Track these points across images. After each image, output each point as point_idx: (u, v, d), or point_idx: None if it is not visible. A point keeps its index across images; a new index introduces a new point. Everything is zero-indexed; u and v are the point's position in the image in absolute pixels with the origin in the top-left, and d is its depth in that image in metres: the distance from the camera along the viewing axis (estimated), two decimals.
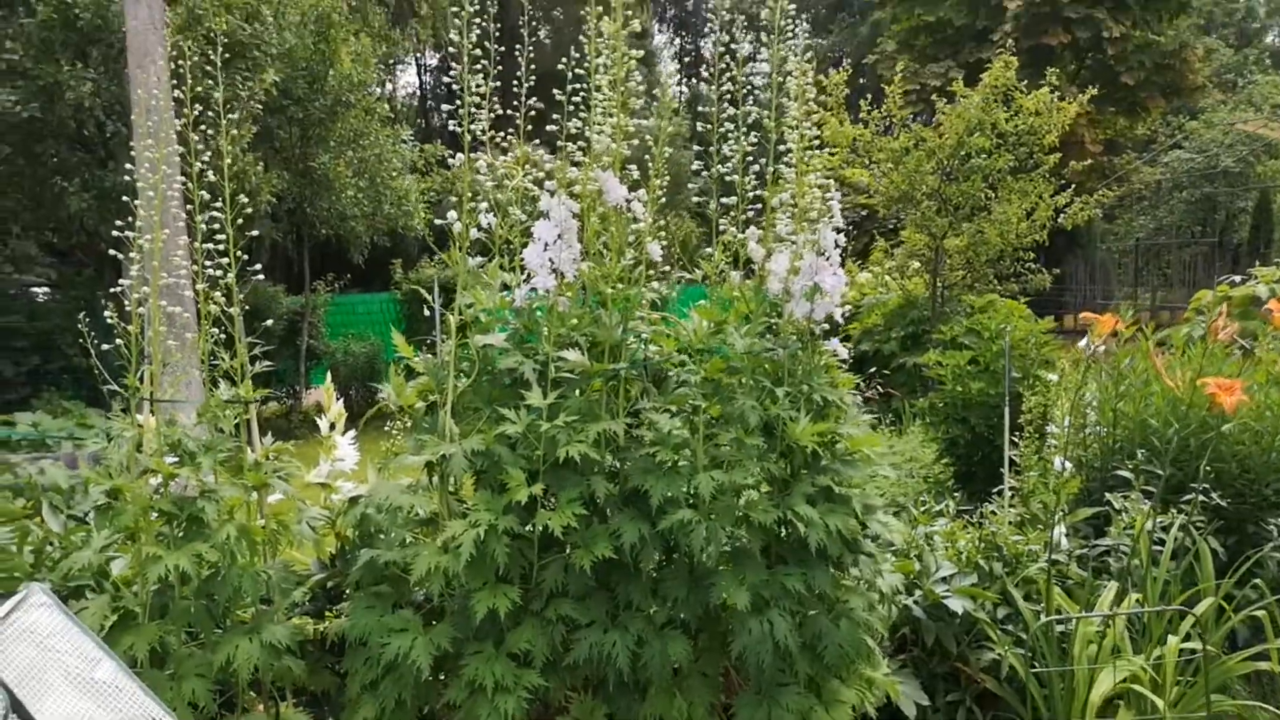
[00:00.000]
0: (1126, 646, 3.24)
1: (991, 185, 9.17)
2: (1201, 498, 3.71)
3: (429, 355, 2.80)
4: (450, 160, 2.75)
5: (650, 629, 2.57)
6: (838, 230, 2.78)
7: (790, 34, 2.75)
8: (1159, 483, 3.54)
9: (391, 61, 24.39)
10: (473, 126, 2.64)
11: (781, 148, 2.75)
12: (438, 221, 2.73)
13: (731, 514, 2.55)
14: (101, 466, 2.60)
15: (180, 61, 2.72)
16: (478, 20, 2.58)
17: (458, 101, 2.63)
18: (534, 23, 2.69)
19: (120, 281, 2.65)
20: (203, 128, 2.68)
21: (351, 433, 3.63)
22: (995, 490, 4.76)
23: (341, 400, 3.72)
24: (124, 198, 2.86)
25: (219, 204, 2.65)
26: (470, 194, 2.66)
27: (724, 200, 2.76)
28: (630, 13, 2.71)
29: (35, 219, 10.36)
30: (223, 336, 2.69)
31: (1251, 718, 3.33)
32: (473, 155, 2.65)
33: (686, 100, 34.37)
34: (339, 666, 2.81)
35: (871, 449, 2.83)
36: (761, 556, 2.67)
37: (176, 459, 2.60)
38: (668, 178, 2.77)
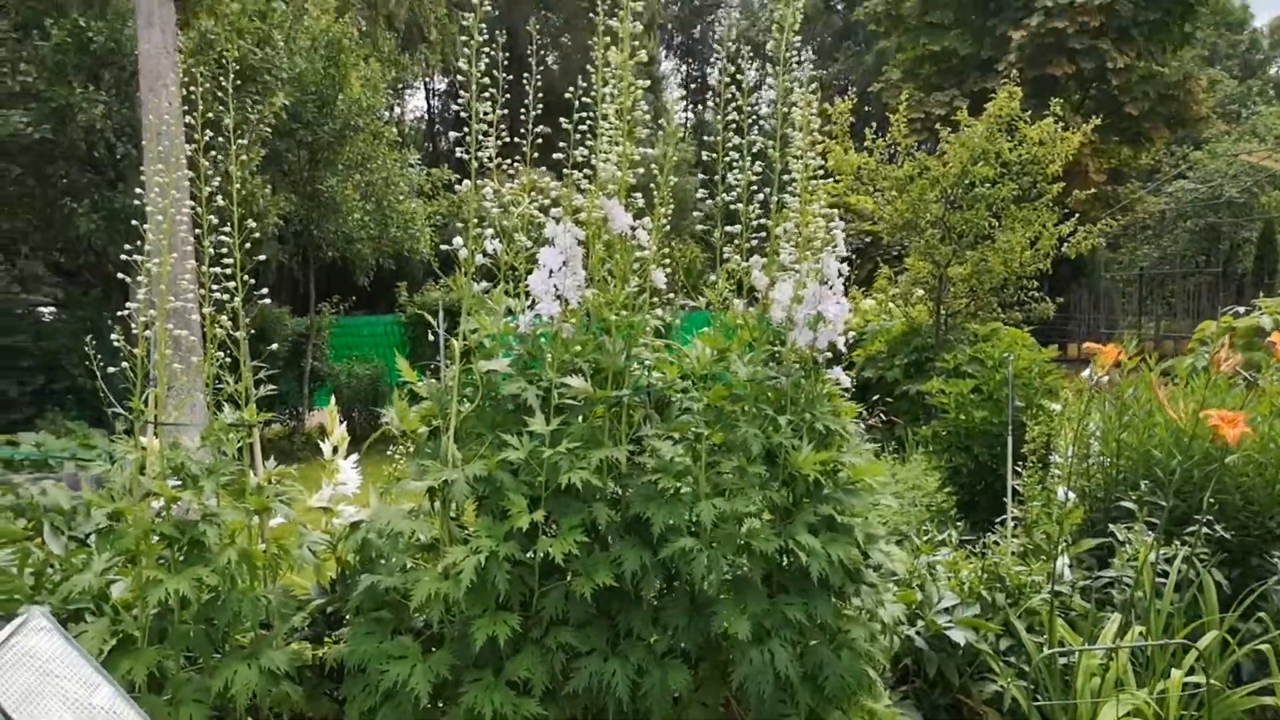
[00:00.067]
0: (1130, 680, 3.21)
1: (995, 214, 9.19)
2: (1205, 530, 3.69)
3: (433, 380, 2.81)
4: (457, 187, 2.77)
5: (650, 658, 2.56)
6: (841, 259, 2.79)
7: (795, 64, 2.78)
8: (1162, 514, 3.52)
9: (400, 86, 24.62)
10: (480, 153, 2.66)
11: (786, 177, 2.77)
12: (444, 247, 2.75)
13: (733, 542, 2.54)
14: (104, 489, 2.61)
15: (192, 88, 2.75)
16: (487, 49, 2.61)
17: (465, 129, 2.65)
18: (541, 50, 2.72)
19: (128, 304, 2.66)
20: (213, 153, 2.71)
21: (354, 456, 3.64)
22: (998, 520, 4.75)
23: (345, 423, 3.72)
24: (133, 220, 2.88)
25: (227, 228, 2.67)
26: (476, 220, 2.67)
27: (728, 229, 2.78)
28: (637, 43, 2.74)
29: (44, 239, 10.43)
30: (228, 360, 2.71)
31: None
32: (479, 182, 2.67)
33: (692, 126, 34.61)
34: (338, 693, 2.80)
35: (874, 478, 2.82)
36: (763, 585, 2.66)
37: (179, 482, 2.60)
38: (672, 205, 2.79)
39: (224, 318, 2.69)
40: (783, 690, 2.52)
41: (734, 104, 2.73)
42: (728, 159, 2.75)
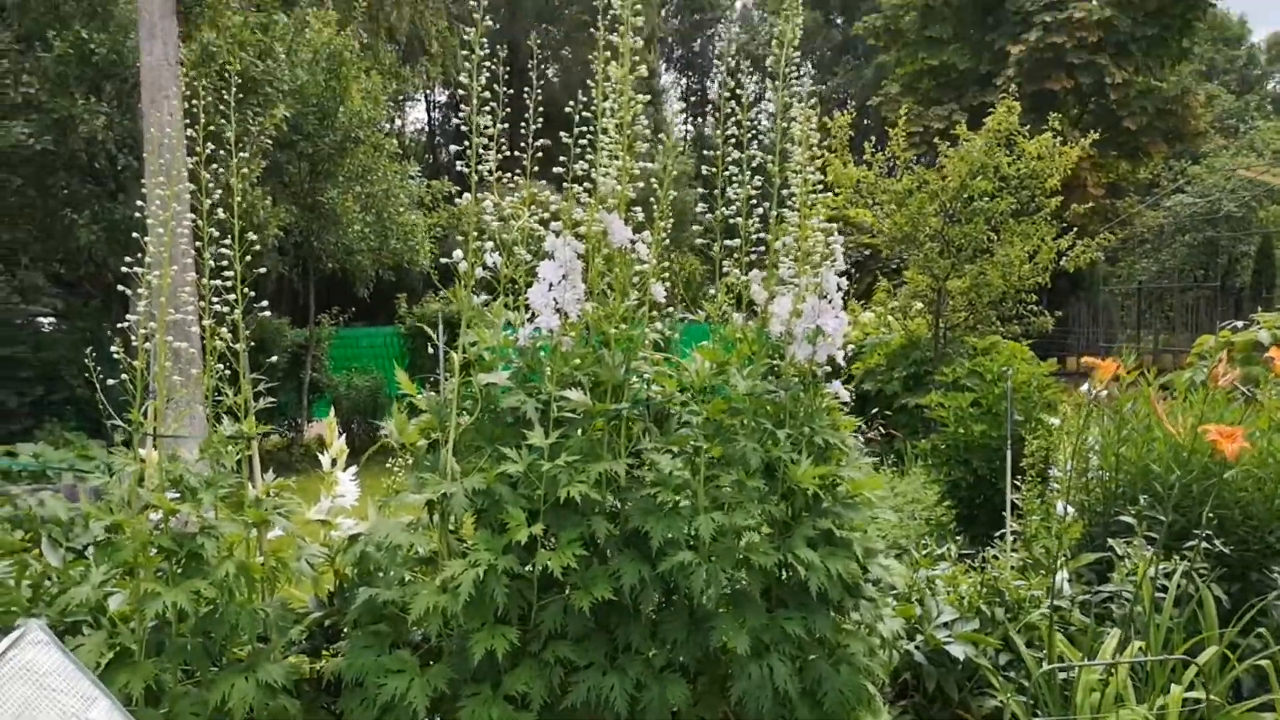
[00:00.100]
0: (1130, 695, 3.21)
1: (994, 227, 9.22)
2: (1204, 545, 3.69)
3: (432, 393, 2.81)
4: (457, 200, 2.78)
5: (649, 672, 2.55)
6: (840, 273, 2.80)
7: (795, 79, 2.79)
8: (1161, 529, 3.52)
9: (401, 98, 24.70)
10: (480, 167, 2.67)
11: (785, 192, 2.78)
12: (444, 260, 2.75)
13: (732, 556, 2.54)
14: (103, 501, 2.61)
15: (194, 101, 2.76)
16: (487, 64, 2.62)
17: (466, 143, 2.66)
18: (542, 64, 2.73)
19: (128, 317, 2.67)
20: (214, 166, 2.72)
21: (353, 469, 3.63)
22: (997, 534, 4.74)
23: (343, 435, 3.72)
24: (133, 231, 2.89)
25: (228, 241, 2.68)
26: (476, 233, 2.68)
27: (727, 242, 2.79)
28: (637, 58, 2.75)
29: (44, 250, 10.44)
30: (228, 372, 2.71)
31: None
32: (479, 195, 2.68)
33: (692, 139, 34.74)
34: (335, 707, 2.79)
35: (872, 492, 2.82)
36: (762, 599, 2.65)
37: (178, 495, 2.60)
38: (671, 220, 2.80)
39: (224, 330, 2.69)
40: (782, 705, 2.51)
41: (733, 119, 2.75)
42: (727, 173, 2.76)
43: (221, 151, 2.76)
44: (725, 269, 2.84)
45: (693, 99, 41.57)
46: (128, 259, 2.71)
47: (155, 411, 2.69)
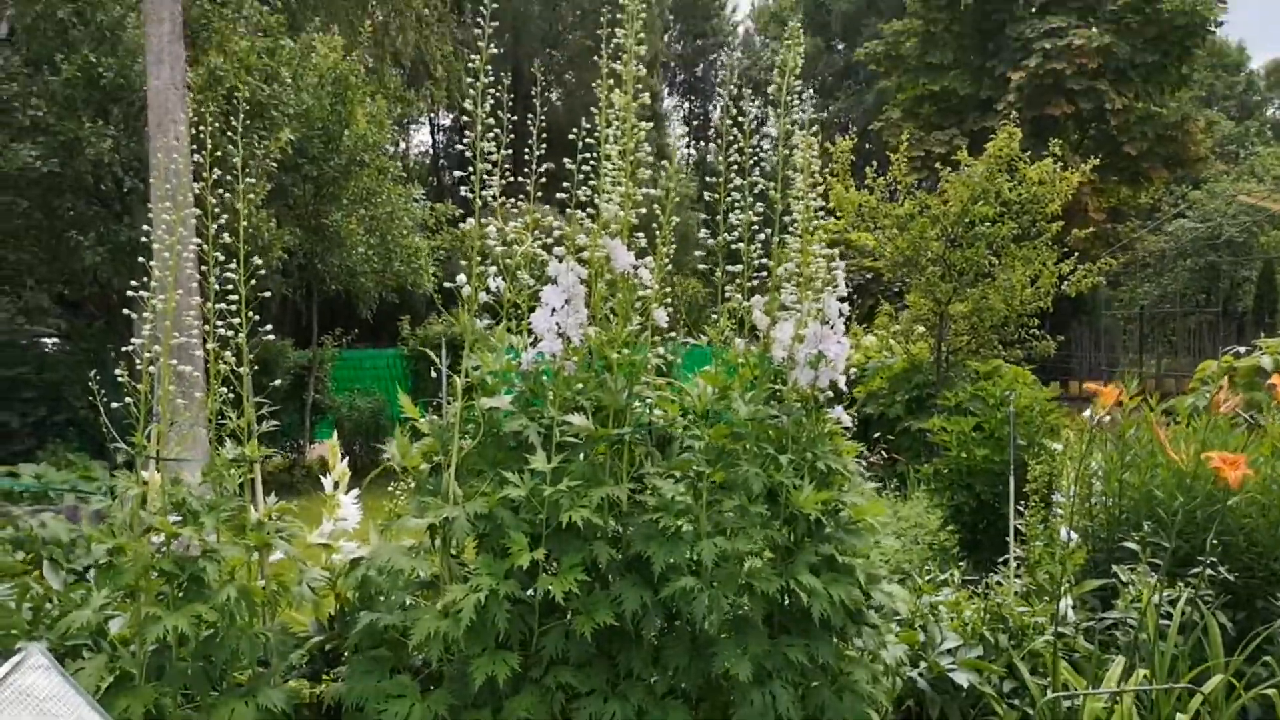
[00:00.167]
0: None
1: (995, 252, 9.25)
2: (1209, 571, 3.67)
3: (434, 416, 2.82)
4: (461, 224, 2.80)
5: (651, 698, 2.54)
6: (842, 299, 2.81)
7: (796, 108, 2.82)
8: (1166, 555, 3.51)
9: (406, 121, 24.88)
10: (484, 192, 2.69)
11: (787, 218, 2.80)
12: (447, 284, 2.77)
13: (734, 582, 2.53)
14: (105, 524, 2.61)
15: (201, 127, 2.79)
16: (492, 90, 2.64)
17: (470, 168, 2.68)
18: (546, 90, 2.76)
19: (133, 340, 2.68)
20: (220, 191, 2.74)
21: (355, 491, 3.63)
22: (1001, 559, 4.72)
23: (346, 457, 3.72)
24: (138, 253, 2.91)
25: (233, 265, 2.69)
26: (479, 258, 2.70)
27: (730, 268, 2.80)
28: (640, 85, 2.78)
29: (49, 271, 10.48)
30: (231, 395, 2.71)
31: None
32: (483, 220, 2.70)
33: (694, 162, 34.91)
34: None
35: (875, 517, 2.82)
36: (764, 625, 2.64)
37: (180, 518, 2.60)
38: (674, 246, 2.81)
39: (228, 353, 2.70)
40: None
41: (736, 145, 2.77)
42: (730, 199, 2.77)
43: (228, 177, 2.78)
44: (728, 294, 2.85)
45: (695, 123, 41.85)
46: (133, 283, 2.73)
47: (158, 434, 2.70)
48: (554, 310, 2.66)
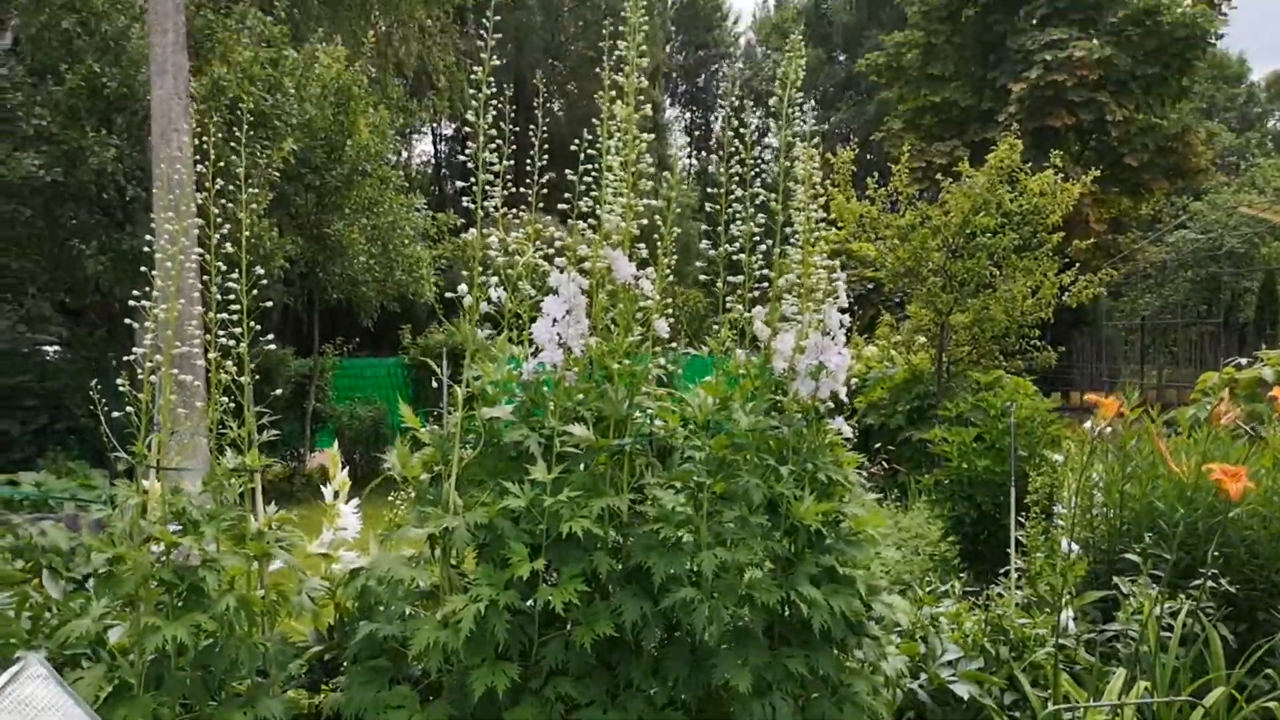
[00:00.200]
0: None
1: (996, 263, 9.26)
2: (1210, 583, 3.66)
3: (435, 426, 2.82)
4: (463, 234, 2.81)
5: (650, 710, 2.53)
6: (843, 310, 2.82)
7: (798, 119, 2.82)
8: (1167, 567, 3.50)
9: (408, 131, 24.95)
10: (486, 203, 2.70)
11: (788, 229, 2.80)
12: (448, 295, 2.77)
13: (734, 593, 2.53)
14: (105, 534, 2.60)
15: (204, 137, 2.80)
16: (494, 102, 2.65)
17: (472, 179, 2.69)
18: (548, 102, 2.77)
19: (134, 349, 2.68)
20: (223, 201, 2.75)
21: (355, 501, 3.63)
22: (1002, 571, 4.71)
23: (346, 467, 3.72)
24: (140, 261, 2.92)
25: (235, 275, 2.70)
26: (481, 268, 2.70)
27: (731, 279, 2.81)
28: (642, 96, 2.79)
29: (51, 279, 10.50)
30: (232, 405, 2.72)
31: None
32: (485, 231, 2.71)
33: (695, 172, 34.99)
34: None
35: (876, 528, 2.82)
36: (764, 637, 2.64)
37: (180, 527, 2.60)
38: (675, 256, 2.82)
39: (229, 363, 2.70)
40: None
41: (737, 157, 2.77)
42: (731, 210, 2.78)
43: (230, 187, 2.79)
44: (729, 305, 2.85)
45: (697, 133, 41.96)
46: (135, 292, 2.73)
47: (159, 444, 2.70)
48: (555, 320, 2.67)
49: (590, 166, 2.74)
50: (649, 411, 2.81)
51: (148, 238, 2.69)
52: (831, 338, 2.76)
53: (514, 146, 2.76)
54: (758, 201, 2.78)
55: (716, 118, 41.12)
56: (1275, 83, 46.19)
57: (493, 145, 2.68)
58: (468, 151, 2.70)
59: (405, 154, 28.91)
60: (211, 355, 2.69)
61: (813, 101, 2.94)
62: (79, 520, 6.28)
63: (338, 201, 11.87)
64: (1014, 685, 3.43)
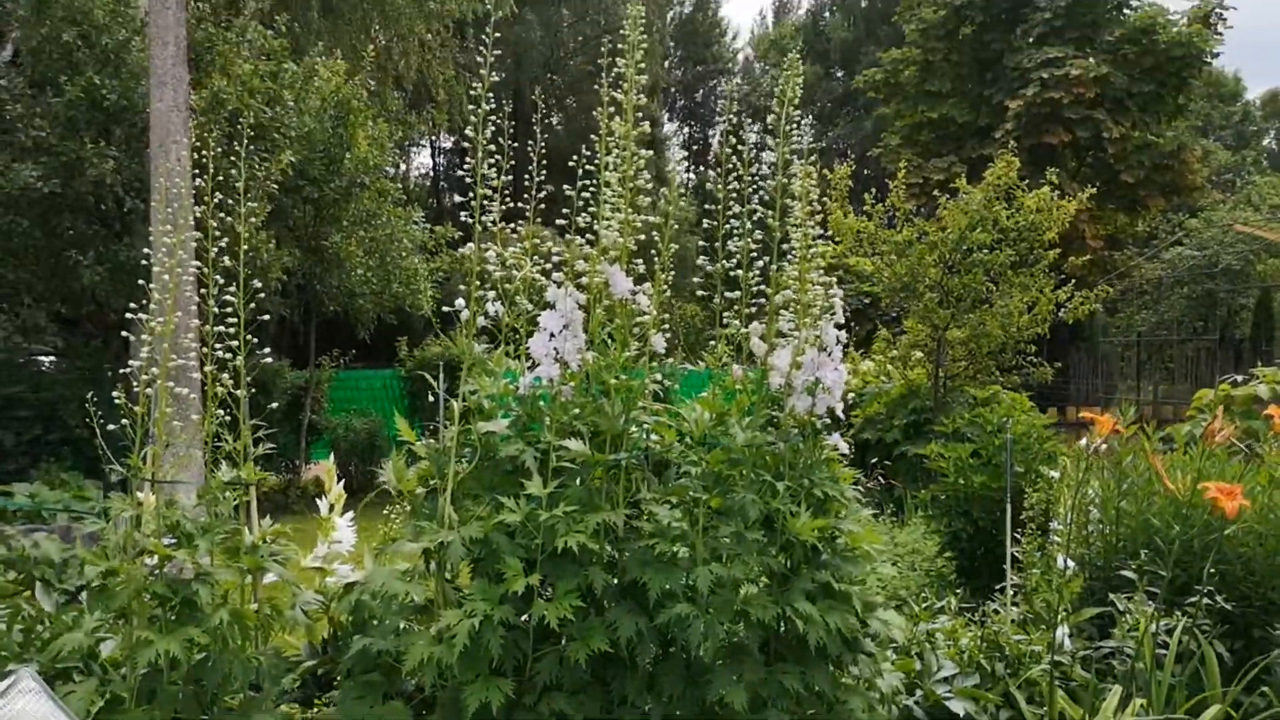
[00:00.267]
0: None
1: (993, 278, 9.28)
2: (1206, 600, 3.66)
3: (431, 440, 2.81)
4: (461, 248, 2.81)
5: None
6: (839, 326, 2.82)
7: (795, 136, 2.84)
8: (1163, 584, 3.50)
9: (407, 144, 25.01)
10: (484, 217, 2.70)
11: (785, 246, 2.81)
12: (446, 308, 2.78)
13: (730, 609, 2.52)
14: (98, 547, 2.60)
15: (203, 152, 2.81)
16: (493, 118, 2.66)
17: (470, 193, 2.70)
18: (546, 117, 2.78)
19: (130, 362, 2.68)
20: (221, 214, 2.75)
21: (350, 514, 3.62)
22: (998, 587, 4.70)
23: (342, 480, 3.71)
24: (137, 273, 2.92)
25: (232, 288, 2.70)
26: (478, 282, 2.71)
27: (728, 294, 2.81)
28: (641, 113, 2.80)
29: (47, 289, 10.48)
30: (228, 418, 2.71)
31: None
32: (483, 245, 2.71)
33: (693, 187, 35.09)
34: None
35: (872, 545, 2.81)
36: (760, 653, 2.63)
37: (174, 540, 2.59)
38: (673, 271, 2.83)
39: (225, 376, 2.70)
40: None
41: (735, 173, 2.78)
42: (728, 226, 2.79)
43: (229, 201, 2.79)
44: (726, 320, 2.86)
45: (695, 147, 42.06)
46: (132, 305, 2.73)
47: (154, 456, 2.70)
48: (552, 335, 2.67)
49: (588, 182, 2.75)
50: (645, 426, 2.81)
51: (145, 250, 2.69)
52: (828, 354, 2.76)
53: (513, 161, 2.77)
54: (755, 218, 2.79)
55: (715, 132, 41.26)
56: (1270, 101, 46.48)
57: (491, 160, 2.69)
58: (467, 165, 2.71)
59: (404, 167, 28.97)
60: (208, 368, 2.69)
61: (810, 118, 2.96)
62: (72, 532, 6.25)
63: (336, 214, 11.88)
64: (1010, 702, 3.41)
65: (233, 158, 2.90)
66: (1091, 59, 22.99)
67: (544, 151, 2.76)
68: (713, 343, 2.88)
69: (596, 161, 2.78)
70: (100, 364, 10.69)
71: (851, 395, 9.44)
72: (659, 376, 2.86)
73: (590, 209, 2.78)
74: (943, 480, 6.01)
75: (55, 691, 2.03)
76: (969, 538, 5.67)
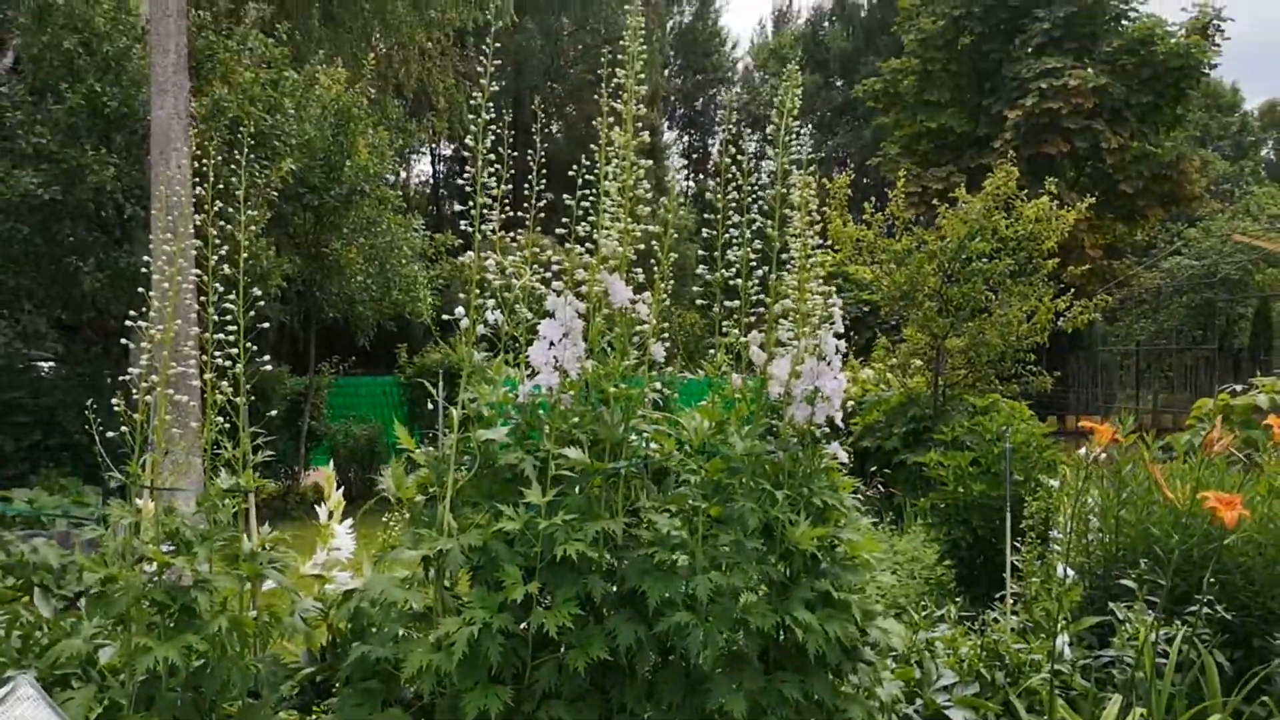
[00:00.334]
0: None
1: (992, 287, 9.29)
2: (1206, 610, 3.65)
3: (430, 448, 2.82)
4: (461, 256, 2.82)
5: None
6: (839, 335, 2.83)
7: (795, 146, 2.84)
8: (1162, 593, 3.49)
9: (407, 151, 25.04)
10: (484, 226, 2.71)
11: (784, 256, 2.82)
12: (445, 317, 2.78)
13: (729, 617, 2.52)
14: (97, 553, 2.59)
15: (204, 160, 2.82)
16: (493, 127, 2.67)
17: (470, 203, 2.70)
18: (545, 126, 2.79)
19: (130, 369, 2.68)
20: (221, 222, 2.76)
21: (349, 521, 3.62)
22: (998, 595, 4.70)
23: (341, 487, 3.72)
24: (136, 279, 2.93)
25: (232, 295, 2.71)
26: (478, 290, 2.71)
27: (727, 303, 2.82)
28: (640, 123, 2.81)
29: (48, 295, 10.49)
30: (227, 425, 2.71)
31: None
32: (483, 254, 2.72)
33: (692, 195, 35.15)
34: None
35: (871, 553, 2.81)
36: (759, 661, 2.63)
37: (173, 547, 2.59)
38: (672, 280, 2.83)
39: (224, 383, 2.70)
40: None
41: (734, 183, 2.79)
42: (728, 235, 2.80)
43: (229, 208, 2.80)
44: (725, 329, 2.86)
45: (694, 156, 42.15)
46: (131, 312, 2.74)
47: (153, 463, 2.70)
48: (552, 343, 2.67)
49: (588, 191, 2.76)
50: (645, 435, 2.82)
51: (145, 258, 2.70)
52: (827, 363, 2.76)
53: (512, 170, 2.78)
54: (754, 227, 2.80)
55: (714, 141, 41.34)
56: (1268, 112, 46.60)
57: (491, 169, 2.69)
58: (467, 173, 2.72)
59: (404, 174, 29.01)
60: (207, 375, 2.69)
61: (810, 127, 2.97)
62: (71, 538, 6.25)
63: (336, 221, 11.89)
64: (1009, 711, 3.41)
65: (233, 165, 2.90)
66: (1090, 69, 23.05)
67: (544, 160, 2.77)
68: (712, 351, 2.89)
69: (596, 171, 2.79)
70: (100, 370, 10.69)
71: (851, 403, 9.44)
72: (658, 385, 2.87)
73: (590, 218, 2.79)
74: (942, 488, 6.01)
75: (53, 698, 2.02)
76: (968, 546, 5.67)
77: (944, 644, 3.75)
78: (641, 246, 2.83)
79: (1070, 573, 4.09)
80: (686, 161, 41.22)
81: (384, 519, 3.63)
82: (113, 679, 2.64)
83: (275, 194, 10.24)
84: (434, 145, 30.30)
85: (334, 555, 3.51)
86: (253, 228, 9.22)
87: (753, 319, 2.88)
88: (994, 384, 9.56)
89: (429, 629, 2.60)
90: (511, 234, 2.83)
